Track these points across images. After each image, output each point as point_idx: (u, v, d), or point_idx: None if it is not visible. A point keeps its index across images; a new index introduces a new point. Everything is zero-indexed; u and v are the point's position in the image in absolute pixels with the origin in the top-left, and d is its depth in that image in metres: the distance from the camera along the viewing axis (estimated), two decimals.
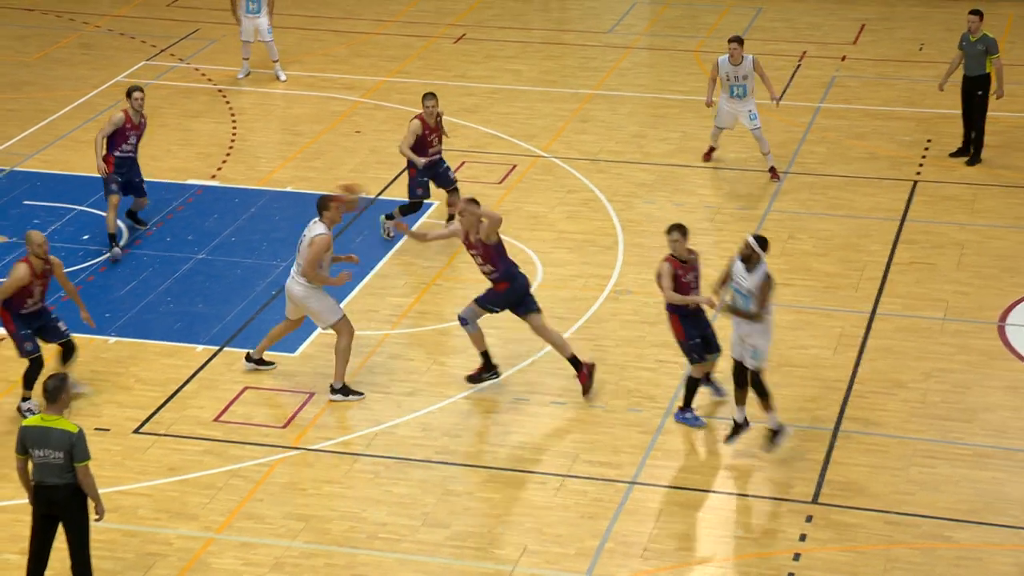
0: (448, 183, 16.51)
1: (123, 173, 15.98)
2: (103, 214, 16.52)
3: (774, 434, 12.62)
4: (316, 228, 13.28)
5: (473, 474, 12.63)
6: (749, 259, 12.47)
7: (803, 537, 11.78)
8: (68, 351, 13.37)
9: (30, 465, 10.56)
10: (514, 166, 18.25)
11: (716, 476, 12.60)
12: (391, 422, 13.29)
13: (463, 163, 18.36)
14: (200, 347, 14.39)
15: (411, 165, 16.24)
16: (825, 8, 23.98)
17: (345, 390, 13.57)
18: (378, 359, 14.26)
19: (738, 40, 17.66)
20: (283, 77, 20.66)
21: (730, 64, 17.64)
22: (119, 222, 16.11)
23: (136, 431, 13.11)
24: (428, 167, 16.26)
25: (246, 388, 13.77)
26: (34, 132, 19.09)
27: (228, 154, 18.65)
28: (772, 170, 17.94)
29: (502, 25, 23.26)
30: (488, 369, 13.85)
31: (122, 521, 11.87)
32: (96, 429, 13.06)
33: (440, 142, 16.35)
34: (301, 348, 14.40)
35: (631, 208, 17.33)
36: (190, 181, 17.86)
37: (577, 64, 21.83)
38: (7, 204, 17.17)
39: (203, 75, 21.13)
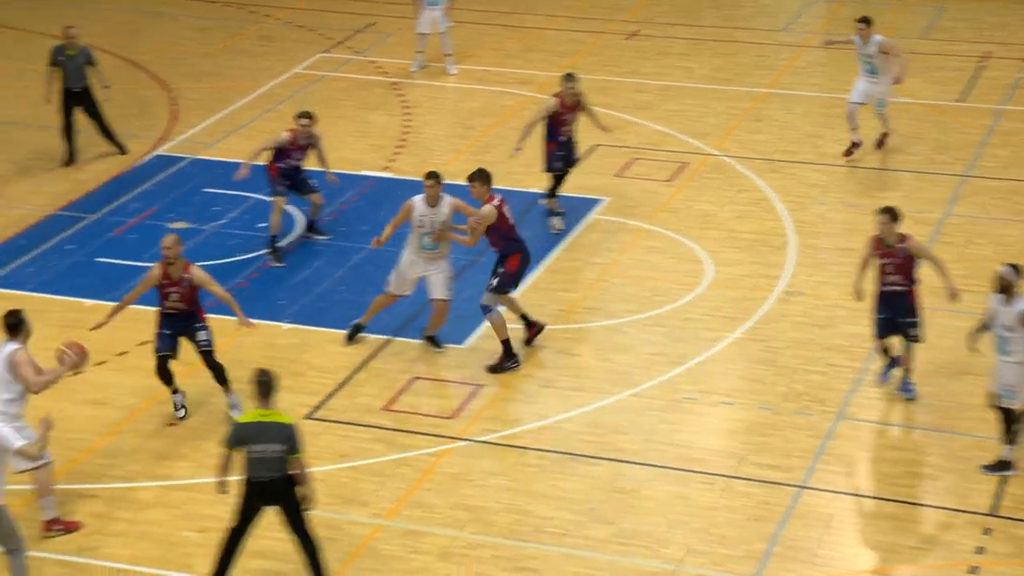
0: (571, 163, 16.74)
1: (289, 180, 16.06)
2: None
3: (1001, 464, 12.29)
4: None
5: (640, 472, 12.57)
6: (1008, 290, 12.07)
7: (980, 550, 11.48)
8: (216, 373, 13.18)
9: (232, 459, 10.64)
10: (685, 164, 18.12)
11: (889, 483, 12.36)
12: (558, 416, 13.30)
13: (634, 160, 18.30)
14: (371, 336, 14.55)
15: (549, 139, 16.31)
16: (1010, 8, 23.35)
17: (356, 328, 14.25)
18: (546, 354, 14.29)
19: (864, 20, 17.73)
20: (453, 71, 20.76)
21: (860, 42, 17.73)
22: (292, 212, 16.40)
23: (308, 417, 13.33)
24: (562, 146, 16.37)
25: (415, 378, 13.90)
26: (215, 121, 19.52)
27: (401, 146, 18.86)
28: (883, 137, 18.14)
29: (673, 22, 23.10)
30: (509, 358, 13.92)
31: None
32: None
33: (574, 122, 16.42)
34: (469, 340, 14.49)
35: (804, 209, 17.09)
36: (364, 172, 18.10)
37: (751, 62, 21.59)
38: (188, 191, 17.59)
39: (378, 68, 21.40)
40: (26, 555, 10.64)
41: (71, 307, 15.05)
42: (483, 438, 12.99)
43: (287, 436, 10.54)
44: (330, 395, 13.63)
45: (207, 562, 11.26)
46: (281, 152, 15.93)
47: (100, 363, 14.02)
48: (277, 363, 14.03)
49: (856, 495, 12.23)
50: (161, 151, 18.71)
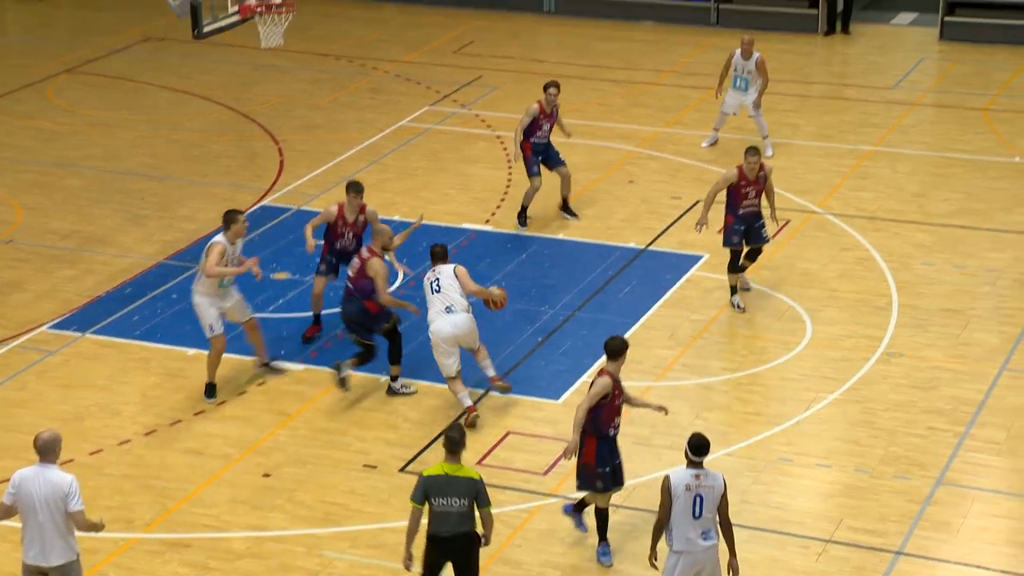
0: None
1: (540, 154, 17.73)
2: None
3: None
4: (215, 237, 14.33)
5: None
6: None
7: None
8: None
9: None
10: (787, 221, 17.98)
11: (990, 554, 12.07)
12: (652, 475, 13.21)
13: None
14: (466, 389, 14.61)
15: (728, 212, 15.89)
16: None
17: (210, 390, 14.49)
18: (640, 411, 14.17)
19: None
20: (770, 152, 19.80)
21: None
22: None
23: (401, 470, 13.39)
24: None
25: (508, 433, 13.91)
26: (322, 173, 19.79)
27: (503, 200, 18.96)
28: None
29: (782, 78, 22.97)
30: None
31: (385, 557, 12.12)
32: (364, 466, 13.41)
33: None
34: (565, 396, 14.48)
35: (908, 269, 16.86)
36: (464, 225, 18.21)
37: (857, 120, 21.42)
38: (292, 241, 17.80)
39: (483, 121, 21.57)
40: None
41: (174, 356, 15.31)
42: (575, 495, 12.93)
43: (475, 490, 10.61)
44: (424, 448, 13.68)
45: None
46: (532, 125, 17.52)
47: (198, 413, 14.25)
48: (372, 415, 14.20)
49: (954, 563, 11.97)
50: (267, 202, 19.00)
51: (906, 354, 15.08)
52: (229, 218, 14.30)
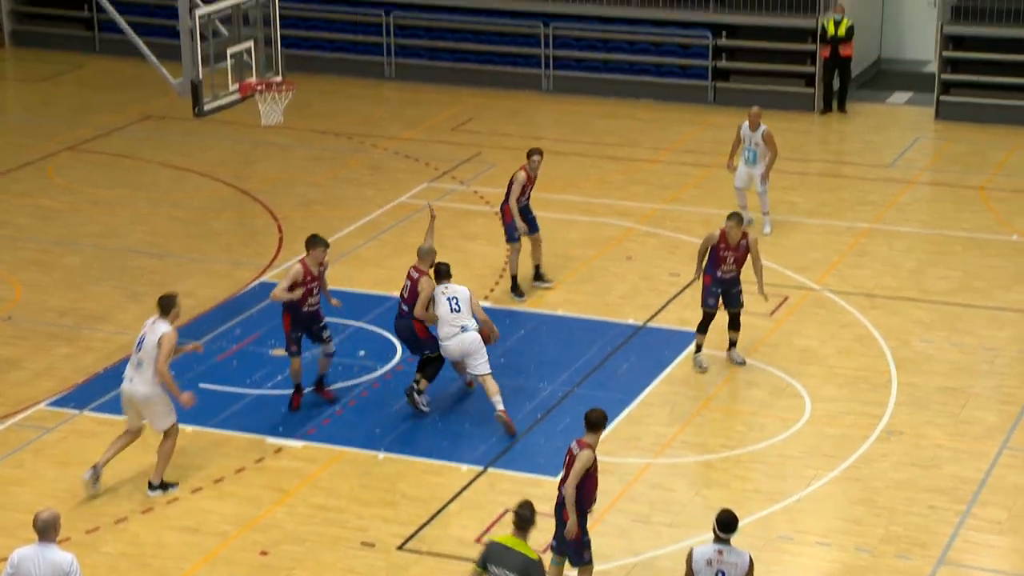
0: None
1: (523, 217, 18.01)
2: (380, 331, 17.07)
3: None
4: (161, 326, 13.85)
5: None
6: None
7: None
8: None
9: None
10: (785, 298, 18.01)
11: None
12: (651, 553, 13.14)
13: None
14: (465, 466, 14.56)
15: (707, 272, 16.19)
16: None
17: (164, 485, 14.07)
18: (639, 488, 14.17)
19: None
20: (768, 230, 19.84)
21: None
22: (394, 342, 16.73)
23: (400, 547, 13.31)
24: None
25: (508, 510, 13.82)
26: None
27: (501, 276, 19.00)
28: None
29: (779, 155, 23.08)
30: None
31: None
32: (362, 543, 13.33)
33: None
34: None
35: (907, 346, 16.86)
36: None
37: (854, 197, 21.52)
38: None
39: (481, 198, 21.66)
40: None
41: None
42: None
43: (525, 569, 10.59)
44: (423, 525, 13.61)
45: None
46: (521, 192, 17.92)
47: (196, 490, 14.18)
48: (372, 492, 14.13)
49: None
50: (266, 278, 19.03)
51: (906, 432, 15.04)
52: (170, 302, 13.94)
